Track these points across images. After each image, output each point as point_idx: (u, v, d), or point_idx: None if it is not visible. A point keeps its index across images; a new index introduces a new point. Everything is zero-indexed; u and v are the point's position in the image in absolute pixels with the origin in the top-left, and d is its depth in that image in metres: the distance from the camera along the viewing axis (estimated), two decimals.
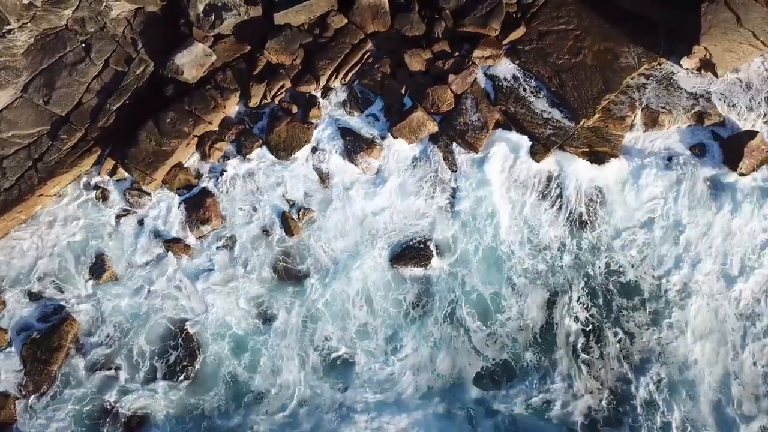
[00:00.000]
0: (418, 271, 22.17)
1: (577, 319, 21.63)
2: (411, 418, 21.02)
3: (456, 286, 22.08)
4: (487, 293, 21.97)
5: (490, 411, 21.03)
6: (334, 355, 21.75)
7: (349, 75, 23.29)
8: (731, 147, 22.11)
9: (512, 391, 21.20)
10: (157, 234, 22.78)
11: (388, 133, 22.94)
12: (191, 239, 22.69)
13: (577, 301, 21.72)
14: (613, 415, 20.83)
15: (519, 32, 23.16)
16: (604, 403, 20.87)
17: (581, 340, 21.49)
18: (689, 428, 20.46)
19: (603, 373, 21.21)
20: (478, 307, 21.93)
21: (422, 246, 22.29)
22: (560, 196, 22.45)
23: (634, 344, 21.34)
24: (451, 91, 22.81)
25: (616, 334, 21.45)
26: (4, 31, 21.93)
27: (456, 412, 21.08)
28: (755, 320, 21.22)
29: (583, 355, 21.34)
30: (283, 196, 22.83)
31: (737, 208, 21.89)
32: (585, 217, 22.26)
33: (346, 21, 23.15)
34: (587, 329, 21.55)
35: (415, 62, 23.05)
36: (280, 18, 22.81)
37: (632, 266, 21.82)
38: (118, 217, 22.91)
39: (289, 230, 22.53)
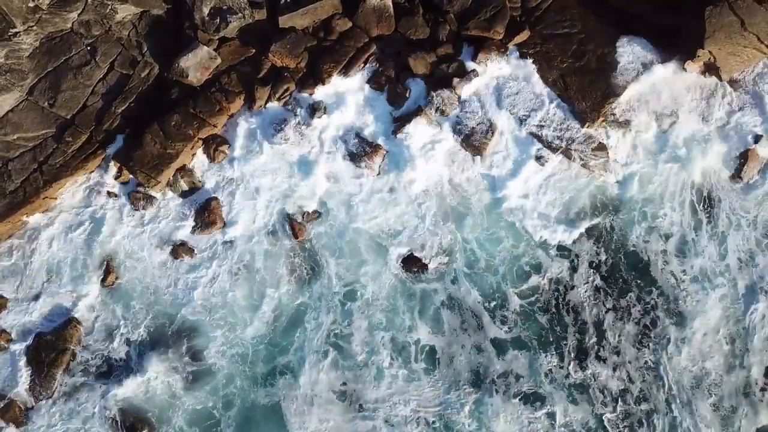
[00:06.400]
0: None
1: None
2: None
3: None
4: None
5: None
6: None
7: (354, 78, 23.30)
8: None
9: None
10: (161, 236, 22.81)
11: (392, 136, 22.99)
12: (195, 242, 22.75)
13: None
14: None
15: (523, 36, 23.18)
16: None
17: None
18: None
19: None
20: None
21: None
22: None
23: None
24: (456, 94, 22.85)
25: None
26: (9, 34, 21.93)
27: None
28: None
29: None
30: (288, 197, 22.86)
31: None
32: None
33: (350, 24, 23.17)
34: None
35: (420, 65, 23.09)
36: (284, 21, 22.84)
37: None
38: (122, 219, 22.92)
39: (294, 232, 22.59)
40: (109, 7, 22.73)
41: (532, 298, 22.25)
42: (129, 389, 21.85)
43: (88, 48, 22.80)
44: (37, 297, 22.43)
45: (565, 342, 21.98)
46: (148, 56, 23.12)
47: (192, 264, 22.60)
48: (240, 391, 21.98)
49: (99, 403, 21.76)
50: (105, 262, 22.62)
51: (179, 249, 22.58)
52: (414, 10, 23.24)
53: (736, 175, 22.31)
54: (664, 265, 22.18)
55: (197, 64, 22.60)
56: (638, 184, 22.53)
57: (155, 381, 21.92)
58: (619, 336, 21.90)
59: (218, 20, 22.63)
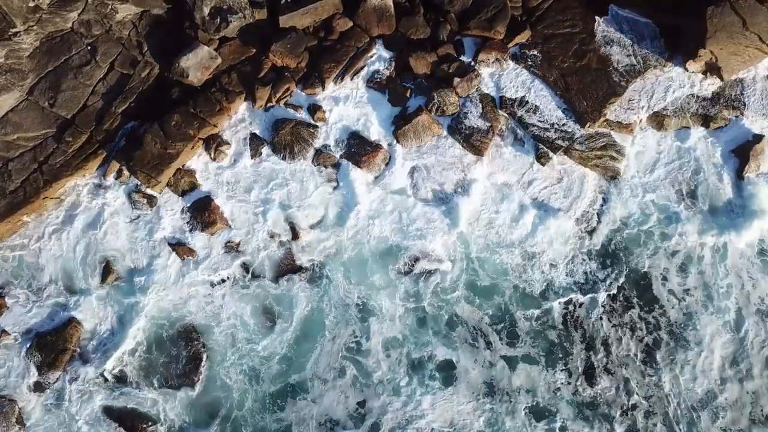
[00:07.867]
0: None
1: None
2: None
3: None
4: None
5: None
6: None
7: (355, 78, 23.30)
8: (739, 150, 22.19)
9: None
10: (161, 236, 22.75)
11: (393, 137, 22.96)
12: (195, 242, 22.70)
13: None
14: None
15: (524, 35, 23.15)
16: None
17: None
18: None
19: None
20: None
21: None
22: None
23: None
24: (456, 94, 22.82)
25: None
26: (10, 33, 21.95)
27: None
28: None
29: None
30: (289, 198, 22.82)
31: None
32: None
33: (351, 24, 23.14)
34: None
35: (420, 65, 23.05)
36: (285, 21, 22.82)
37: None
38: (122, 219, 22.89)
39: (294, 233, 22.55)
40: (110, 7, 22.73)
41: (544, 318, 22.20)
42: (128, 394, 21.90)
43: (89, 48, 22.79)
44: (37, 297, 22.40)
45: (571, 358, 21.98)
46: (149, 56, 23.11)
47: (193, 265, 22.52)
48: (249, 413, 21.87)
49: (99, 405, 21.74)
50: (105, 263, 22.59)
51: (180, 249, 22.55)
52: (415, 9, 23.22)
53: (738, 176, 22.31)
54: (665, 282, 22.14)
55: (197, 64, 22.58)
56: (640, 186, 22.57)
57: (155, 387, 21.98)
58: (627, 353, 21.85)
59: (219, 20, 22.62)
